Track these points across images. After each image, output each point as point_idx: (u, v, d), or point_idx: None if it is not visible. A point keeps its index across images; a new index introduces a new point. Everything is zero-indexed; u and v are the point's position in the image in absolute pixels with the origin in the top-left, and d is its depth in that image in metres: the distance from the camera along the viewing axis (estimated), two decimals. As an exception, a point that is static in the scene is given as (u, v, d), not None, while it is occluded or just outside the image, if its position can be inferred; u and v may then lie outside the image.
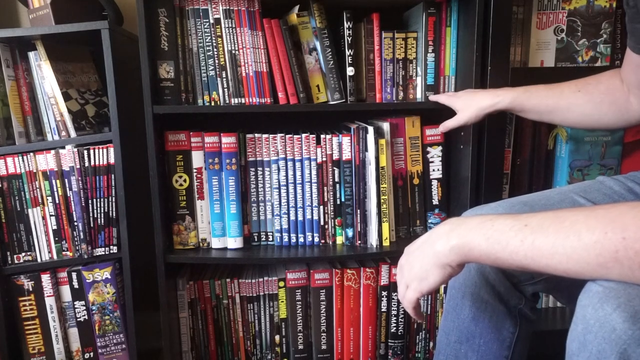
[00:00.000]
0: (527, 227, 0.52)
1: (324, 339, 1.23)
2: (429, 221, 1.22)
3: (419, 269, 0.62)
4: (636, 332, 0.43)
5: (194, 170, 1.15)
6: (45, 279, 1.15)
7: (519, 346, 0.76)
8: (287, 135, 1.16)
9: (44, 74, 1.10)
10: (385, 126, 1.16)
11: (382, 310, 1.23)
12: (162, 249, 1.12)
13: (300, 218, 1.19)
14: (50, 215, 1.13)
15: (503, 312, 0.75)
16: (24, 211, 1.13)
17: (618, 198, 0.72)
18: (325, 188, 1.18)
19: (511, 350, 0.76)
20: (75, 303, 1.17)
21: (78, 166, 1.10)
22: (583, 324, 0.48)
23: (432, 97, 1.14)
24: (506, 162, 1.17)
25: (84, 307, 1.17)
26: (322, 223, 1.19)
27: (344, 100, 1.13)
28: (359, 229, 1.18)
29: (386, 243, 1.17)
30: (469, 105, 0.99)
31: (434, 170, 1.21)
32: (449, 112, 1.18)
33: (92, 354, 1.19)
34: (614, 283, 0.47)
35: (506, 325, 0.75)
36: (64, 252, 1.15)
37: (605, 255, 0.46)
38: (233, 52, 1.10)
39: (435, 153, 1.20)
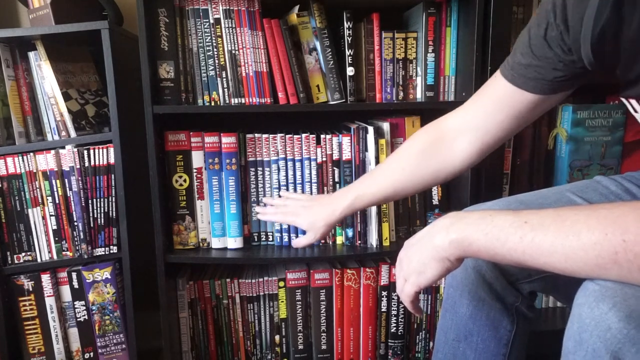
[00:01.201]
0: (527, 224, 0.52)
1: (324, 339, 1.23)
2: (429, 221, 1.22)
3: (418, 262, 0.62)
4: (631, 332, 0.43)
5: (194, 170, 1.15)
6: (45, 279, 1.15)
7: (517, 344, 0.76)
8: (287, 135, 1.16)
9: (44, 74, 1.10)
10: (385, 126, 1.16)
11: (382, 310, 1.23)
12: (162, 249, 1.12)
13: (300, 218, 1.18)
14: (50, 215, 1.13)
15: (500, 310, 0.75)
16: (24, 211, 1.13)
17: (614, 198, 0.72)
18: (325, 188, 1.18)
19: (509, 348, 0.76)
20: (75, 303, 1.17)
21: (78, 166, 1.10)
22: (579, 323, 0.48)
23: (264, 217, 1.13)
24: (506, 162, 1.17)
25: (84, 307, 1.17)
26: (321, 223, 1.19)
27: (344, 100, 1.13)
28: (359, 229, 1.18)
29: (386, 243, 1.17)
30: (316, 222, 0.97)
31: (433, 170, 1.21)
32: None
33: (92, 354, 1.19)
34: (611, 282, 0.47)
35: (503, 323, 0.75)
36: (64, 252, 1.15)
37: (604, 256, 0.46)
38: (233, 52, 1.10)
39: (435, 153, 1.20)
